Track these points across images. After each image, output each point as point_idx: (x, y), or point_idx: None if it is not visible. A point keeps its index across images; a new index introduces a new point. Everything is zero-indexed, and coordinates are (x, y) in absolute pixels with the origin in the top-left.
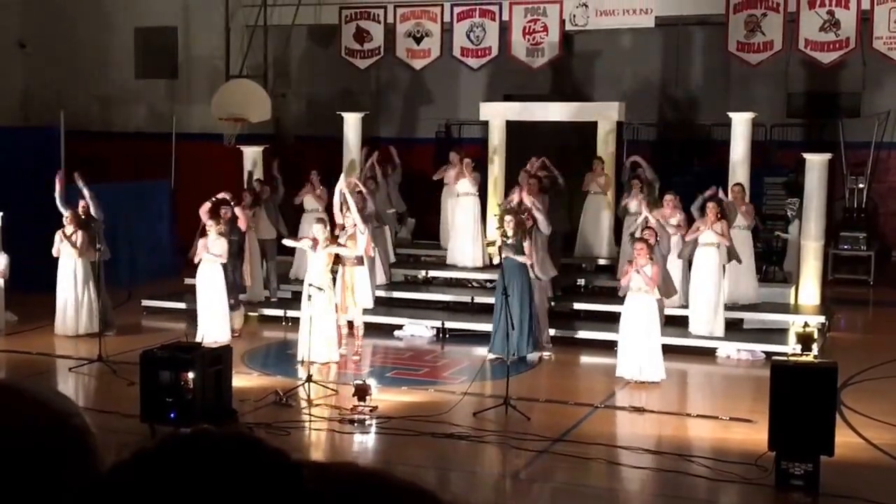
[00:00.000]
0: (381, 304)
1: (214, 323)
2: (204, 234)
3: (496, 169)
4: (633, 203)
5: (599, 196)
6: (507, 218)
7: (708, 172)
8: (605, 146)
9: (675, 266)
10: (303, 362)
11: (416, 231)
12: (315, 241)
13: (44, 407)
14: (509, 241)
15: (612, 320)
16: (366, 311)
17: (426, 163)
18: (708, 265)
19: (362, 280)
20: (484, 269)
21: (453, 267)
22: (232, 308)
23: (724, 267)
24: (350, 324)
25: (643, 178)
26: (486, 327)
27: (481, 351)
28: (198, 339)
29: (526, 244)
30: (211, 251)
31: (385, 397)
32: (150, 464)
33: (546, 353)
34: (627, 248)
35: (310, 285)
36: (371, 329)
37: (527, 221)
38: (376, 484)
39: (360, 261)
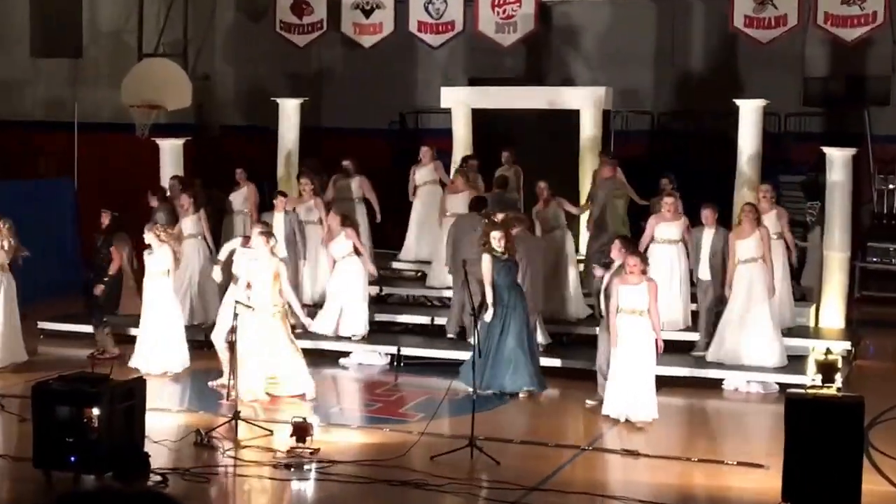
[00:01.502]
0: None
1: (162, 350)
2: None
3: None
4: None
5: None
6: (496, 234)
7: (711, 170)
8: (590, 139)
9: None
10: (228, 396)
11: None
12: (246, 239)
13: None
14: (502, 258)
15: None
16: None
17: (380, 158)
18: (753, 281)
19: None
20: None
21: (416, 284)
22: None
23: (770, 282)
24: None
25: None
26: (449, 354)
27: (442, 382)
28: (134, 367)
29: (518, 263)
30: (157, 265)
31: (329, 437)
32: None
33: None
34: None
35: (236, 302)
36: (313, 356)
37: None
38: None
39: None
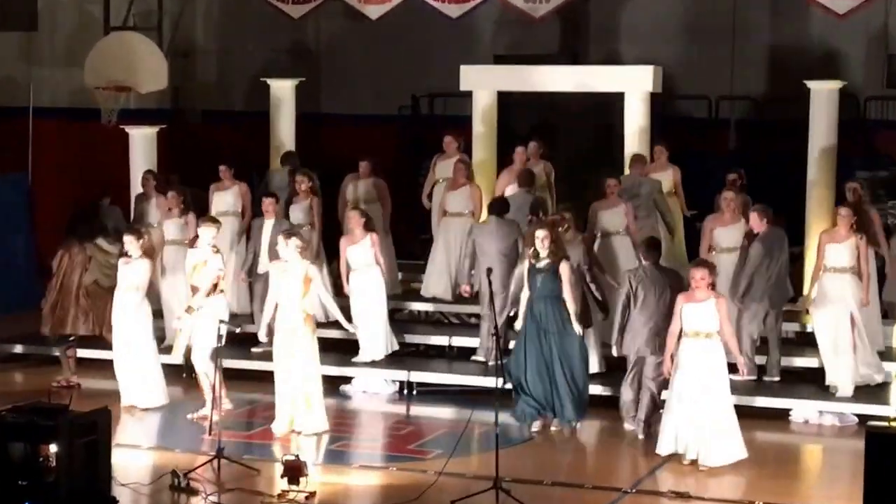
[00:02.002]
0: (323, 350)
1: (133, 380)
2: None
3: (483, 157)
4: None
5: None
6: (540, 233)
7: (778, 163)
8: (636, 127)
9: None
10: (210, 430)
11: None
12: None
13: None
14: (540, 265)
15: None
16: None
17: (388, 149)
18: (837, 294)
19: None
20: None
21: (423, 297)
22: None
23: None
24: None
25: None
26: (472, 381)
27: (462, 413)
28: (125, 403)
29: (564, 271)
30: (129, 277)
31: (327, 478)
32: None
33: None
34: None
35: (221, 322)
36: None
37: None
38: None
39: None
